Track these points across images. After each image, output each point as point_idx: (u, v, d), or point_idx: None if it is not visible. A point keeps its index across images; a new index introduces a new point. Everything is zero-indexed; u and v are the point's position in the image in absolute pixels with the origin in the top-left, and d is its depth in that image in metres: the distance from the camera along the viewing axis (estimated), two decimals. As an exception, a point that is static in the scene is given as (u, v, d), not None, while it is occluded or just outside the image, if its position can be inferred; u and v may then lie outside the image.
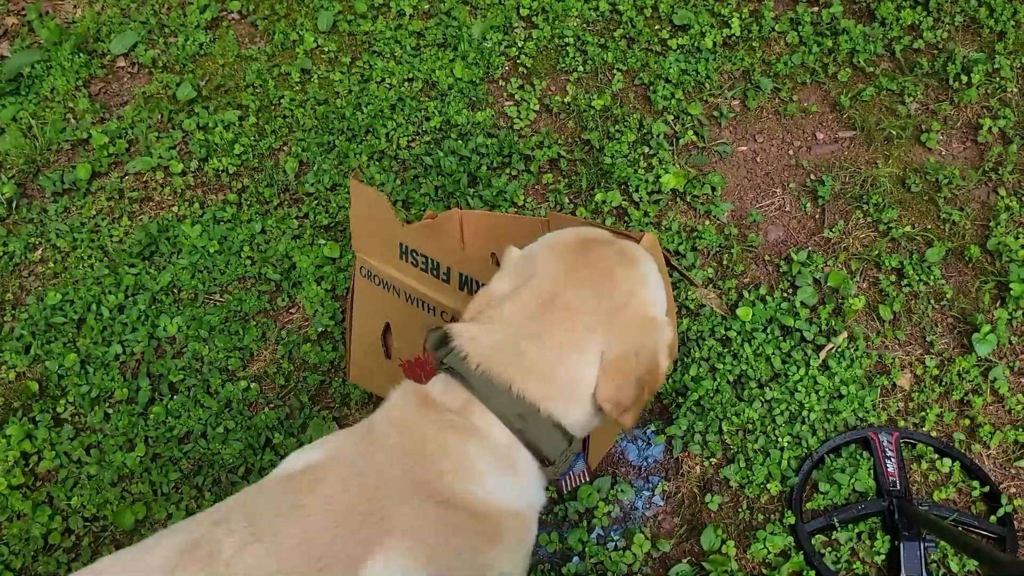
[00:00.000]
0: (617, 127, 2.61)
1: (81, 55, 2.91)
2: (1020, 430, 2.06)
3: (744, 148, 2.60)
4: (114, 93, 2.88)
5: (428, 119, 2.69)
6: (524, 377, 1.25)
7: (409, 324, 1.92)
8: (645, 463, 2.12)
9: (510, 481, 1.28)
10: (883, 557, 1.93)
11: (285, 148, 2.70)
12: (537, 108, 2.71)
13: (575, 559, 1.98)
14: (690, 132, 2.60)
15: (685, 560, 1.97)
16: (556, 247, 1.37)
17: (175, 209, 2.59)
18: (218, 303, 2.42)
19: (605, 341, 1.27)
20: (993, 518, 1.95)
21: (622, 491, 2.07)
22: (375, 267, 1.90)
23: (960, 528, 1.91)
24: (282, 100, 2.77)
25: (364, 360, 2.14)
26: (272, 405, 2.25)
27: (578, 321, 1.27)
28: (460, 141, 2.63)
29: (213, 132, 2.71)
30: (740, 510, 2.02)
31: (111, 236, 2.54)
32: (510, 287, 1.35)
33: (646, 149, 2.57)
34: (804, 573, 1.92)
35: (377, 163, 2.62)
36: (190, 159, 2.69)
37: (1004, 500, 1.95)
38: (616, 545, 2.00)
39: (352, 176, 1.85)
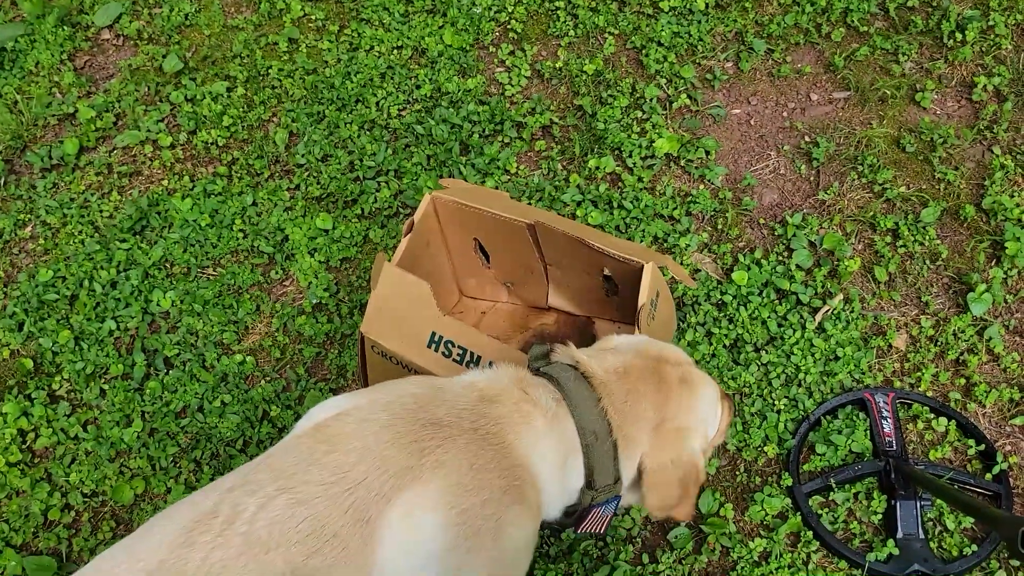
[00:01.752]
0: (609, 92, 2.59)
1: (65, 28, 2.86)
2: (1015, 388, 2.07)
3: (738, 111, 2.58)
4: (99, 66, 2.84)
5: (418, 87, 2.66)
6: (611, 403, 1.38)
7: None
8: (642, 428, 2.12)
9: (555, 468, 1.36)
10: (880, 516, 1.95)
11: (275, 119, 2.67)
12: (528, 74, 2.68)
13: (574, 524, 1.99)
14: (683, 96, 2.58)
15: (683, 523, 1.98)
16: (648, 345, 1.52)
17: (165, 183, 2.57)
18: (211, 277, 2.41)
19: (649, 442, 1.41)
20: (989, 476, 1.96)
21: (620, 456, 2.07)
22: (389, 351, 1.81)
23: (956, 486, 1.92)
24: (270, 70, 2.74)
25: None
26: (268, 378, 2.25)
27: (671, 397, 1.43)
28: (451, 109, 2.60)
29: (201, 104, 2.68)
30: (738, 473, 2.03)
31: (101, 211, 2.52)
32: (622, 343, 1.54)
33: (639, 114, 2.54)
34: (802, 534, 1.93)
35: (368, 132, 2.59)
36: (179, 132, 2.66)
37: (999, 458, 1.96)
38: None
39: (379, 257, 1.81)
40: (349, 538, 1.18)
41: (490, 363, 1.71)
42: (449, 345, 1.74)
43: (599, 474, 1.37)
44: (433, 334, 1.76)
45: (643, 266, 1.75)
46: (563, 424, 1.35)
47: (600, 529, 1.46)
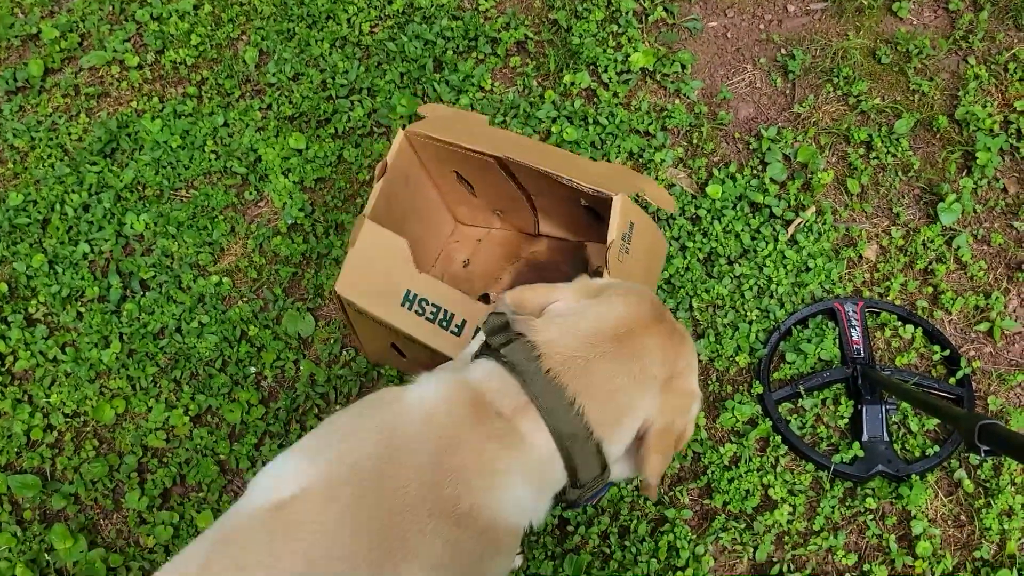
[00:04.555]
0: (585, 5, 2.54)
1: (22, -56, 2.77)
2: (980, 295, 2.11)
3: (714, 24, 2.55)
4: (61, -16, 2.77)
5: (391, 2, 2.61)
6: (589, 396, 1.16)
7: (417, 350, 1.81)
8: (617, 341, 2.15)
9: (531, 498, 1.20)
10: (846, 421, 2.00)
11: (244, 37, 2.62)
12: (502, -12, 2.63)
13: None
14: (659, 8, 2.54)
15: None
16: (635, 294, 1.29)
17: (134, 104, 2.53)
18: (184, 199, 2.39)
19: (657, 402, 1.22)
20: (952, 380, 2.02)
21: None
22: (364, 310, 1.78)
23: (921, 390, 1.97)
24: (237, -13, 2.67)
25: (380, 355, 2.08)
26: (246, 299, 2.25)
27: (648, 365, 1.21)
28: (424, 25, 2.55)
29: (168, 23, 2.61)
30: (710, 382, 2.07)
31: (70, 134, 2.48)
32: (576, 302, 1.27)
33: (615, 27, 2.51)
34: (771, 439, 1.99)
35: (339, 50, 2.55)
36: (146, 52, 2.60)
37: (963, 363, 2.01)
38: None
39: (365, 217, 1.76)
40: None
41: (469, 325, 1.66)
42: (423, 303, 1.71)
43: (583, 472, 1.19)
44: (408, 292, 1.72)
45: (612, 199, 1.69)
46: (535, 440, 1.16)
47: (593, 502, 1.37)
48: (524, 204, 2.09)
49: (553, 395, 1.15)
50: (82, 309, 2.25)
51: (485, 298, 2.12)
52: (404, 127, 1.94)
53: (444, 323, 1.69)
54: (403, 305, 1.73)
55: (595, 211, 1.94)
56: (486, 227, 2.28)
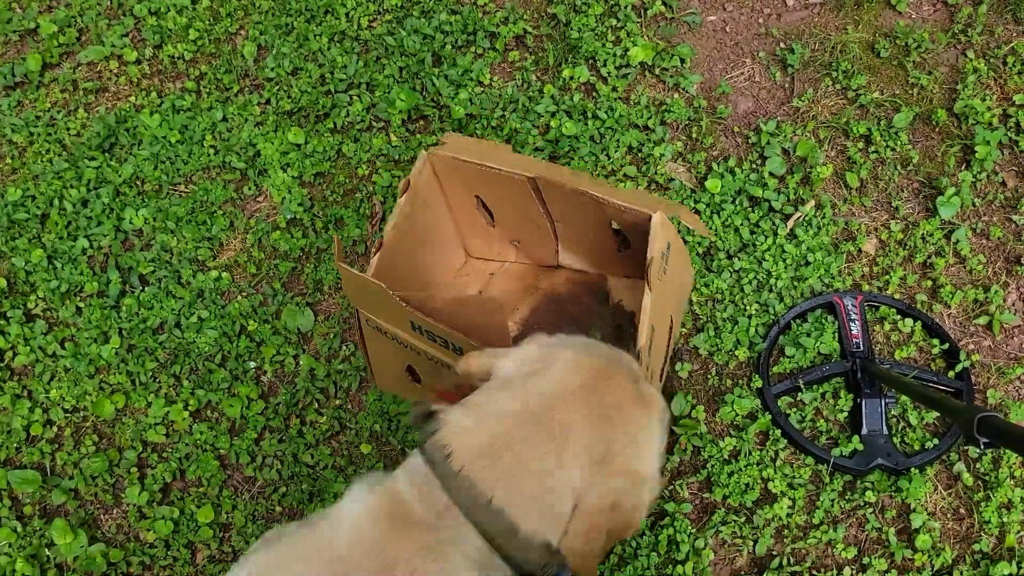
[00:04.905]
0: None
1: (20, -61, 2.76)
2: (980, 289, 2.11)
3: (713, 17, 2.55)
4: (58, -21, 2.76)
5: (388, -3, 2.60)
6: (506, 491, 1.08)
7: (433, 371, 1.77)
8: (616, 335, 2.16)
9: None
10: (845, 415, 2.00)
11: (242, 32, 2.61)
12: (501, -18, 2.62)
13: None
14: (658, 3, 2.53)
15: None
16: (580, 360, 1.19)
17: (132, 99, 2.52)
18: (183, 194, 2.39)
19: (585, 483, 1.11)
20: (951, 373, 2.02)
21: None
22: (383, 325, 1.73)
23: (920, 384, 1.97)
24: (235, -19, 2.66)
25: (391, 383, 2.03)
26: (245, 293, 2.25)
27: (568, 448, 1.11)
28: (423, 19, 2.55)
29: (166, 17, 2.61)
30: (709, 377, 2.07)
31: (68, 129, 2.48)
32: (514, 371, 1.20)
33: (614, 22, 2.51)
34: (770, 433, 1.99)
35: (338, 44, 2.54)
36: (144, 46, 2.60)
37: (963, 356, 2.02)
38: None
39: (336, 260, 1.63)
40: None
41: None
42: (430, 332, 1.63)
43: (528, 564, 1.10)
44: (412, 322, 1.65)
45: (652, 217, 1.66)
46: (465, 546, 1.08)
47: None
48: (546, 232, 2.02)
49: (469, 495, 1.07)
50: (81, 304, 2.25)
51: None
52: (427, 149, 1.88)
53: (454, 349, 1.62)
54: (415, 330, 1.66)
55: (623, 235, 1.86)
56: (500, 260, 2.20)
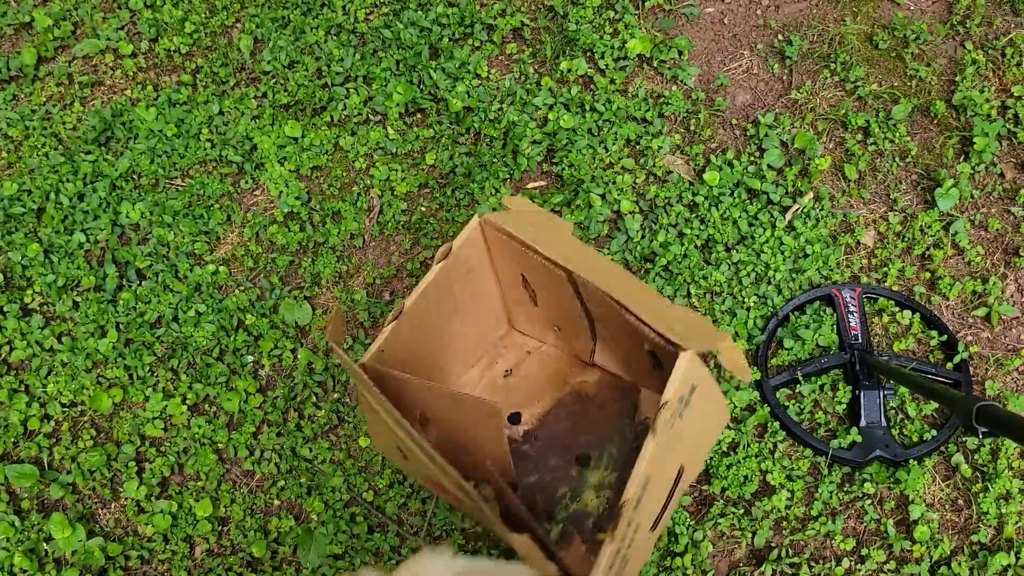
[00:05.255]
0: (581, -8, 2.53)
1: (14, -68, 2.75)
2: (978, 280, 2.11)
3: (711, 9, 2.54)
4: (53, -28, 2.74)
5: (385, -10, 2.59)
6: None
7: (417, 462, 1.60)
8: (615, 328, 2.16)
9: None
10: (844, 407, 2.00)
11: (238, 25, 2.60)
12: (498, -26, 2.61)
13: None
14: (656, -5, 2.53)
15: (655, 418, 2.02)
16: None
17: (128, 93, 2.51)
18: (180, 188, 2.38)
19: None
20: (950, 365, 2.02)
21: (593, 356, 2.10)
22: (373, 404, 1.57)
23: (918, 375, 1.97)
24: (231, -26, 2.65)
25: (383, 449, 1.83)
26: (242, 287, 2.25)
27: None
28: (420, 12, 2.54)
29: (161, 10, 2.60)
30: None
31: (64, 123, 2.47)
32: None
33: (611, 14, 2.50)
34: (769, 425, 1.99)
35: (335, 37, 2.53)
36: (140, 40, 2.59)
37: (961, 347, 2.02)
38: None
39: (328, 338, 1.54)
40: None
41: None
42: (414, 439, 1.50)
43: None
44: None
45: (680, 353, 1.46)
46: None
47: None
48: (584, 328, 1.86)
49: None
50: (78, 298, 2.24)
51: (515, 416, 1.95)
52: (480, 215, 1.76)
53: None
54: (397, 424, 1.51)
55: (657, 356, 1.66)
56: (540, 340, 2.06)
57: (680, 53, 2.45)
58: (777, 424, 1.98)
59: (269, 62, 2.50)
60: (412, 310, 1.71)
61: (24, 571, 1.98)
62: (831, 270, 2.14)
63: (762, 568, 1.88)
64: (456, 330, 1.88)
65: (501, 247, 1.79)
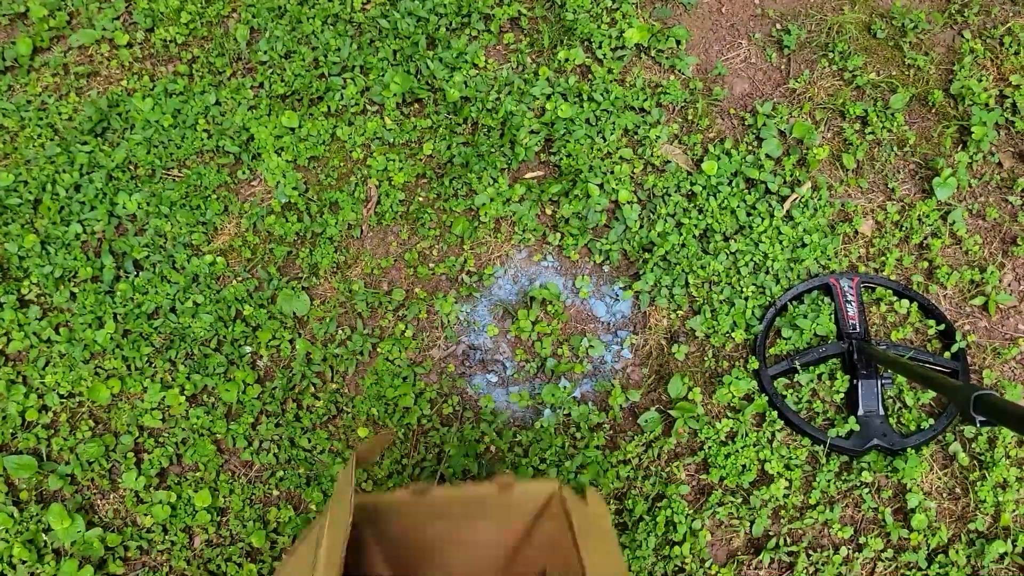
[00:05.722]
0: (578, -19, 2.52)
1: (8, -79, 2.73)
2: (976, 269, 2.11)
3: (709, -1, 2.54)
4: (48, -38, 2.73)
5: (382, -21, 2.58)
6: None
7: None
8: (613, 318, 2.16)
9: None
10: (842, 396, 2.01)
11: (235, 15, 2.59)
12: (495, -36, 2.60)
13: (547, 412, 2.03)
14: (653, -16, 2.52)
15: (653, 408, 2.03)
16: None
17: (124, 83, 2.50)
18: (177, 178, 2.37)
19: None
20: (948, 354, 2.02)
21: (592, 347, 2.11)
22: None
23: (916, 364, 1.98)
24: (227, -36, 2.64)
25: None
26: (240, 278, 2.24)
27: None
28: (417, 1, 2.53)
29: (157, 0, 2.58)
30: (706, 359, 2.07)
31: (60, 113, 2.45)
32: None
33: (609, 3, 2.49)
34: (767, 414, 1.99)
35: (331, 27, 2.52)
36: (135, 30, 2.57)
37: (958, 336, 2.02)
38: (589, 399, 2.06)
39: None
40: None
41: None
42: None
43: None
44: None
45: None
46: None
47: None
48: None
49: None
50: (75, 290, 2.24)
51: None
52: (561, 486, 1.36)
53: None
54: None
55: None
56: None
57: (678, 42, 2.44)
58: (775, 413, 1.99)
59: (266, 52, 2.49)
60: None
61: (23, 561, 1.98)
62: (829, 259, 2.14)
63: (760, 556, 1.89)
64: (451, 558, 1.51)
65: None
